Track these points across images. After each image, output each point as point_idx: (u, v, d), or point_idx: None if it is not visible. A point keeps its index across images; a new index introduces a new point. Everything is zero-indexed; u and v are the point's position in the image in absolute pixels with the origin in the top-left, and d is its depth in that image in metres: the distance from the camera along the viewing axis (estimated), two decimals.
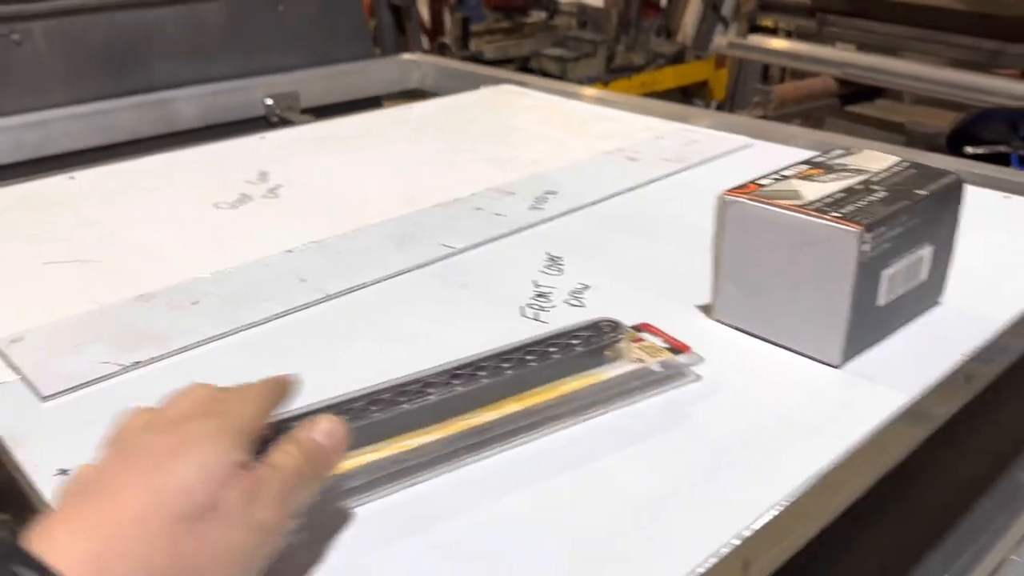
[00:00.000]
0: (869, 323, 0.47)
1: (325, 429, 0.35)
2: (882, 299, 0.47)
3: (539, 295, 0.55)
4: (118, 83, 1.15)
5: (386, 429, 0.39)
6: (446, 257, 0.61)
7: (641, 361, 0.45)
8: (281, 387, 0.37)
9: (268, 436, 0.34)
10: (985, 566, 0.54)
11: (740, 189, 0.49)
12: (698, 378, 0.46)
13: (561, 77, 2.52)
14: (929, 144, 2.16)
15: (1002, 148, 1.73)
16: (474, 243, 0.63)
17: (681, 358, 0.46)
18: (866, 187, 0.49)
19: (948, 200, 0.50)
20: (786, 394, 0.45)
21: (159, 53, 1.17)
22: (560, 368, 0.44)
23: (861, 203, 0.47)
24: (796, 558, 0.39)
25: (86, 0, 1.11)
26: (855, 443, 0.40)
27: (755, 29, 2.64)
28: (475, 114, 0.99)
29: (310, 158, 0.84)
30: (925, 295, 0.52)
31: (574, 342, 0.45)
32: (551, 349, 0.45)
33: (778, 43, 2.44)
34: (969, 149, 1.76)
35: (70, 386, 0.46)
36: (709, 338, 0.50)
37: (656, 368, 0.45)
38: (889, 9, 2.24)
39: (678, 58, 2.73)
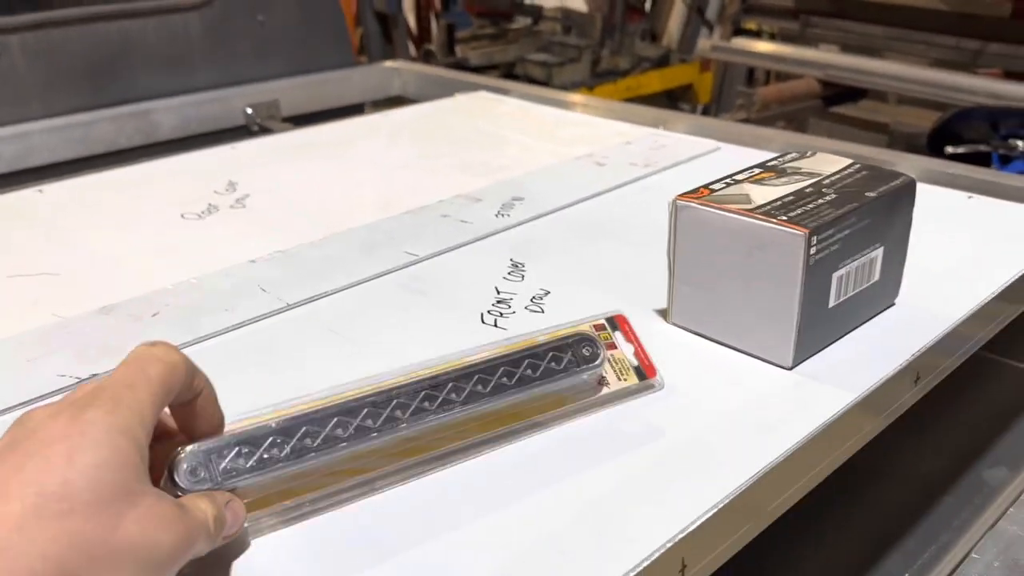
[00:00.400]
0: (820, 324, 0.48)
1: (235, 509, 0.34)
2: (833, 300, 0.48)
3: (499, 301, 0.56)
4: (97, 95, 1.15)
5: (351, 459, 0.38)
6: (409, 265, 0.61)
7: (606, 383, 0.45)
8: (193, 372, 0.35)
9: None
10: (946, 564, 0.54)
11: (692, 194, 0.50)
12: (653, 387, 0.46)
13: (546, 82, 2.53)
14: (911, 144, 2.17)
15: (983, 147, 1.74)
16: (438, 250, 0.63)
17: (644, 384, 0.45)
18: (816, 190, 0.49)
19: (899, 201, 0.50)
20: (738, 396, 0.45)
21: (139, 64, 1.17)
22: (538, 398, 0.42)
23: (809, 206, 0.47)
24: (751, 558, 0.39)
25: (65, 13, 1.11)
26: (800, 440, 0.41)
27: (739, 32, 2.66)
28: (450, 120, 0.99)
29: (281, 167, 0.85)
30: (879, 295, 0.52)
31: (554, 365, 0.42)
32: (531, 372, 0.42)
33: (762, 46, 2.45)
34: (950, 148, 1.77)
35: (25, 399, 0.46)
36: (664, 341, 0.50)
37: (623, 390, 0.45)
38: (871, 10, 2.25)
39: (663, 62, 2.74)
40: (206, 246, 0.66)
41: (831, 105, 2.41)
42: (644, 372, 0.46)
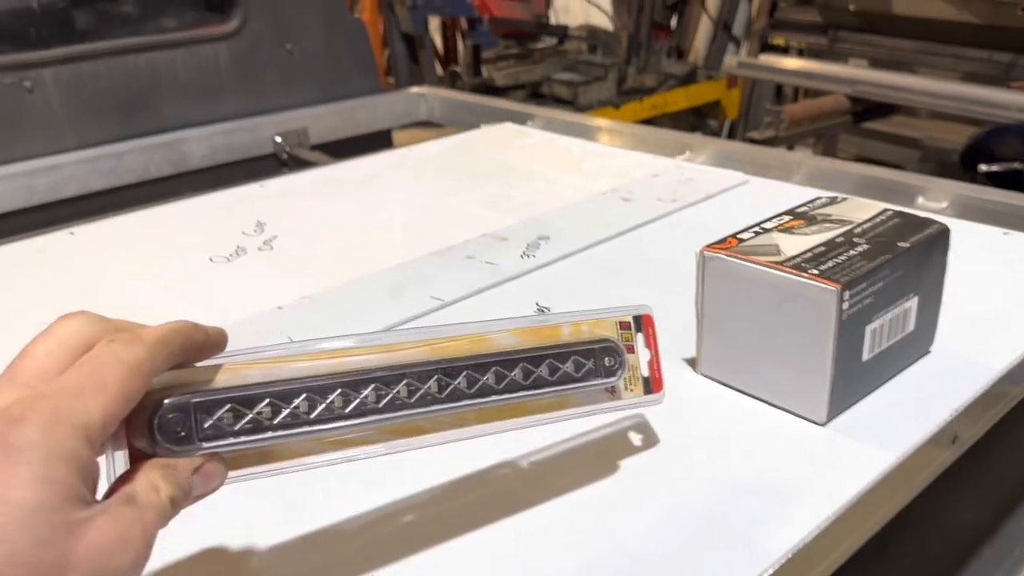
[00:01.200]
0: (854, 378, 0.47)
1: (204, 471, 0.30)
2: (866, 354, 0.47)
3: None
4: (128, 126, 1.17)
5: (349, 431, 0.35)
6: (436, 310, 0.61)
7: (614, 392, 0.42)
8: (160, 351, 0.30)
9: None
10: None
11: (720, 244, 0.49)
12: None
13: (572, 102, 2.53)
14: (944, 160, 2.14)
15: (1016, 165, 1.71)
16: (464, 295, 0.63)
17: (647, 398, 0.43)
18: (847, 240, 0.48)
19: (933, 250, 0.49)
20: (770, 453, 0.44)
21: (168, 95, 1.19)
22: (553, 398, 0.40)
23: (841, 258, 0.46)
24: None
25: (96, 46, 1.13)
26: (839, 509, 0.40)
27: (767, 47, 2.64)
28: (475, 153, 0.99)
29: (309, 205, 0.85)
30: (914, 345, 0.51)
31: (573, 372, 0.40)
32: (548, 374, 0.39)
33: (790, 62, 2.43)
34: (983, 166, 1.74)
35: None
36: (692, 392, 0.50)
37: (627, 402, 0.43)
38: (900, 24, 2.23)
39: (689, 79, 2.73)
40: (234, 291, 0.66)
41: (861, 121, 2.38)
42: (651, 386, 0.43)
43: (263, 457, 0.34)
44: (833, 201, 0.54)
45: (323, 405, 0.33)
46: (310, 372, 0.34)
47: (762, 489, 0.41)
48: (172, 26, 1.23)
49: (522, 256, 0.68)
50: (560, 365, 0.40)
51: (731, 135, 2.86)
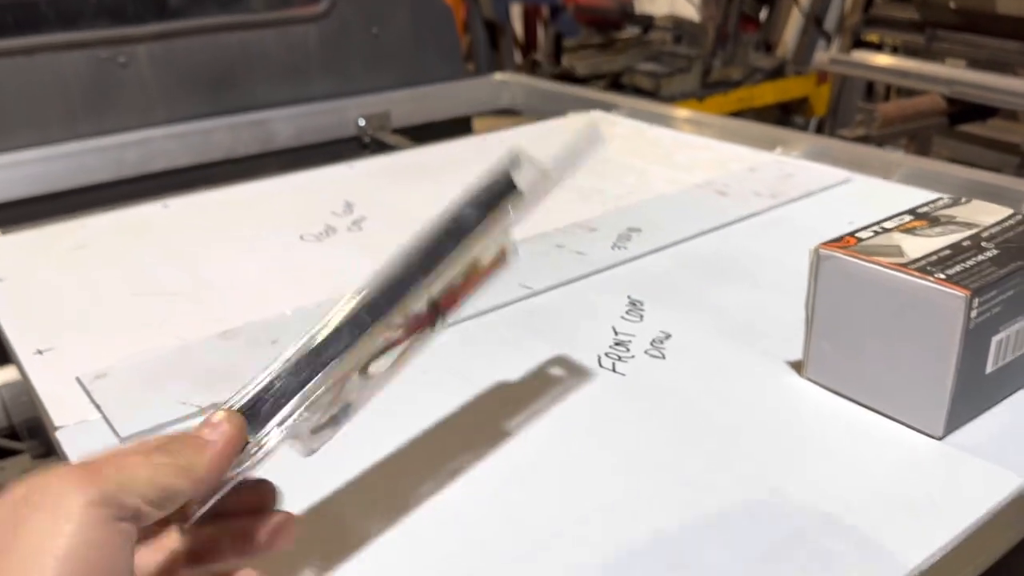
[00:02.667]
0: (975, 392, 0.44)
1: (214, 423, 0.30)
2: (990, 367, 0.44)
3: (617, 343, 0.53)
4: (217, 103, 1.18)
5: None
6: (525, 298, 0.59)
7: None
8: (213, 457, 0.30)
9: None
10: None
11: (837, 242, 0.46)
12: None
13: (654, 93, 2.49)
14: None
15: None
16: (553, 284, 0.61)
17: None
18: (975, 244, 0.45)
19: None
20: (882, 466, 0.42)
21: (257, 74, 1.20)
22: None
23: (969, 263, 0.43)
24: None
25: (188, 23, 1.15)
26: (963, 529, 0.37)
27: (859, 44, 2.55)
28: (561, 142, 0.97)
29: (396, 188, 0.84)
30: None
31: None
32: None
33: (883, 59, 2.35)
34: None
35: (147, 427, 0.46)
36: (797, 397, 0.47)
37: None
38: (1003, 23, 2.13)
39: (777, 73, 2.66)
40: (324, 270, 0.66)
41: (957, 123, 2.29)
42: None
43: None
44: (956, 202, 0.51)
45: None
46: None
47: (874, 504, 0.39)
48: (263, 6, 1.24)
49: (613, 247, 0.67)
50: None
51: (819, 133, 2.78)
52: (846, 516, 0.38)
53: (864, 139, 2.04)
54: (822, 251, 0.46)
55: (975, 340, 0.42)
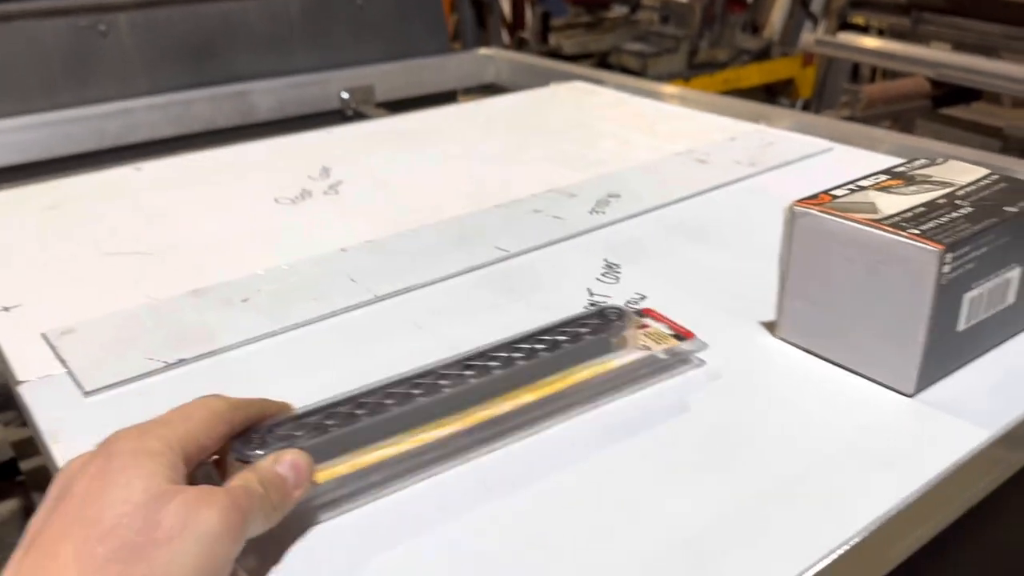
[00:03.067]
0: (947, 349, 0.44)
1: (289, 461, 0.34)
2: (962, 324, 0.44)
3: (592, 304, 0.53)
4: (198, 73, 1.16)
5: (402, 422, 0.38)
6: (500, 260, 0.59)
7: (647, 348, 0.45)
8: (239, 409, 0.35)
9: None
10: None
11: (811, 199, 0.46)
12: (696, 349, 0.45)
13: (641, 73, 2.48)
14: None
15: None
16: (529, 247, 0.61)
17: (685, 345, 0.46)
18: (950, 202, 0.45)
19: None
20: (853, 422, 0.41)
21: (239, 45, 1.19)
22: (569, 357, 0.43)
23: (943, 219, 0.43)
24: None
25: None
26: (929, 482, 0.37)
27: (845, 26, 2.55)
28: (545, 111, 0.96)
29: (375, 154, 0.83)
30: (1011, 319, 0.47)
31: (582, 330, 0.45)
32: (560, 338, 0.44)
33: (869, 41, 2.34)
34: None
35: (113, 382, 0.46)
36: (772, 358, 0.47)
37: (661, 355, 0.45)
38: (989, 6, 2.13)
39: (763, 55, 2.65)
40: (298, 232, 0.65)
41: (941, 106, 2.29)
42: (682, 336, 0.46)
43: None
44: (932, 162, 0.51)
45: (373, 402, 0.39)
46: (378, 386, 0.40)
47: (845, 459, 0.39)
48: None
49: (591, 212, 0.66)
50: (572, 328, 0.45)
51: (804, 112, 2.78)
52: (815, 471, 0.38)
53: (849, 120, 2.04)
54: (796, 208, 0.46)
55: (948, 296, 0.42)
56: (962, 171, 0.49)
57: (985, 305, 0.44)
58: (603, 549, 0.34)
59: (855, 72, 2.68)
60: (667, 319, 0.48)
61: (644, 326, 0.47)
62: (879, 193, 0.46)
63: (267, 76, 1.21)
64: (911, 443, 0.40)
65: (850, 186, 0.48)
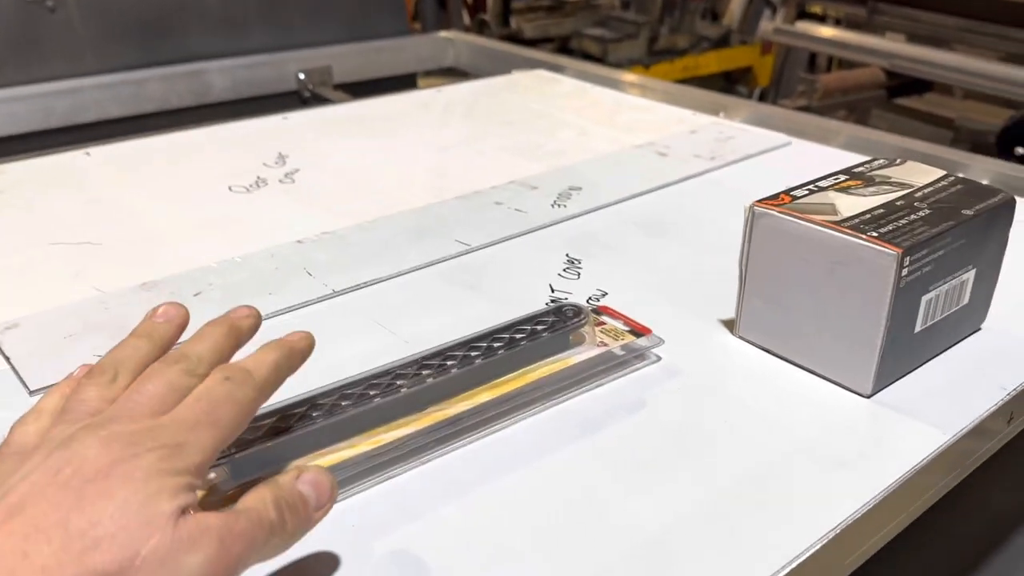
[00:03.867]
0: (904, 350, 0.44)
1: (312, 480, 0.31)
2: (919, 325, 0.44)
3: (553, 301, 0.53)
4: (150, 53, 1.13)
5: (359, 424, 0.38)
6: (460, 255, 0.58)
7: (604, 345, 0.45)
8: (263, 395, 0.32)
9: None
10: None
11: (771, 200, 0.46)
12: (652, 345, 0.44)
13: (601, 59, 2.47)
14: (977, 141, 2.09)
15: None
16: (491, 241, 0.60)
17: (642, 341, 0.46)
18: (908, 204, 0.45)
19: (997, 220, 0.46)
20: (811, 423, 0.42)
21: (193, 23, 1.16)
22: (527, 355, 0.43)
23: (902, 222, 0.43)
24: None
25: None
26: (888, 487, 0.37)
27: (803, 15, 2.57)
28: (505, 99, 0.96)
29: (332, 141, 0.82)
30: (966, 319, 0.48)
31: (539, 327, 0.45)
32: (517, 335, 0.44)
33: (826, 31, 2.36)
34: (1020, 149, 1.69)
35: (59, 380, 0.44)
36: (730, 356, 0.47)
37: (618, 352, 0.45)
38: None
39: (723, 42, 2.67)
40: (253, 222, 0.64)
41: (895, 96, 2.32)
42: (638, 332, 0.46)
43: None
44: (891, 163, 0.51)
45: (329, 404, 0.38)
46: (335, 387, 0.40)
47: (804, 460, 0.39)
48: None
49: (553, 205, 0.66)
50: (528, 326, 0.45)
51: (761, 103, 2.80)
52: (774, 473, 0.38)
53: (805, 109, 2.06)
54: (756, 208, 0.46)
55: (905, 299, 0.42)
56: (920, 172, 0.50)
57: (942, 307, 0.45)
58: (560, 550, 0.34)
59: (812, 61, 2.70)
60: (623, 315, 0.48)
61: (601, 323, 0.47)
62: (839, 194, 0.47)
63: (222, 56, 1.18)
64: (870, 445, 0.40)
65: (810, 186, 0.48)
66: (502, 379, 0.42)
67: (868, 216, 0.44)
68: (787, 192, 0.47)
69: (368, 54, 1.28)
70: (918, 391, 0.44)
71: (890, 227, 0.43)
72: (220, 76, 1.16)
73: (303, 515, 0.30)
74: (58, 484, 0.26)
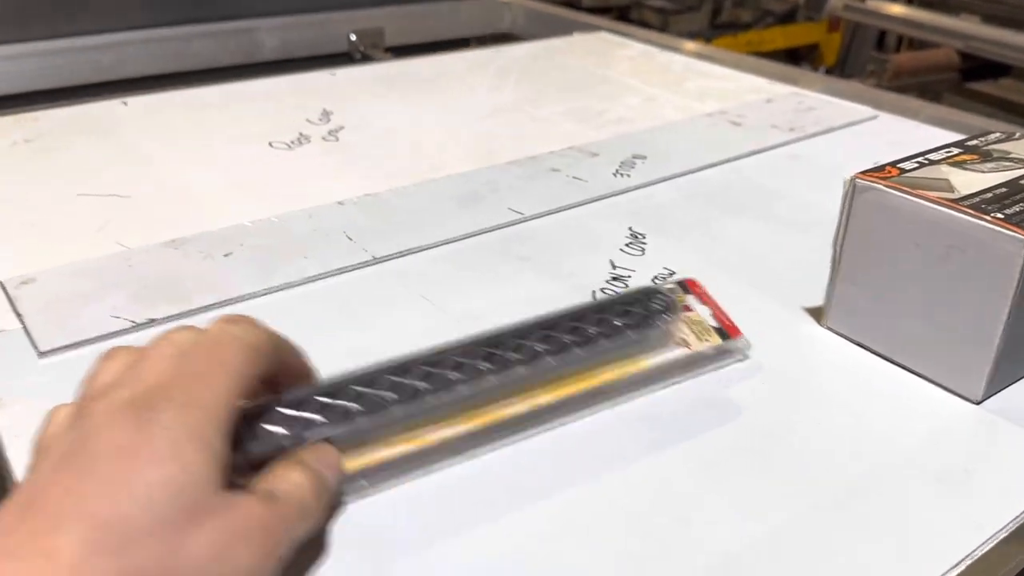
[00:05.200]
0: (1021, 354, 0.38)
1: (331, 462, 0.29)
2: None
3: (615, 278, 0.47)
4: (200, 8, 1.10)
5: (409, 420, 0.33)
6: (513, 224, 0.53)
7: (687, 344, 0.39)
8: (279, 350, 0.30)
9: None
10: None
11: (876, 172, 0.40)
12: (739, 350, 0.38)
13: (662, 30, 2.39)
14: None
15: None
16: (547, 210, 0.55)
17: (730, 344, 0.40)
18: None
19: None
20: (912, 430, 0.36)
21: None
22: (604, 354, 0.36)
23: None
24: None
25: None
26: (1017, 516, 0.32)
27: None
28: (565, 62, 0.90)
29: (380, 99, 0.77)
30: None
31: (621, 321, 0.36)
32: (592, 329, 0.36)
33: (898, 9, 2.25)
34: None
35: (72, 342, 0.40)
36: (818, 350, 0.42)
37: (706, 351, 0.39)
38: None
39: (788, 17, 2.56)
40: (292, 180, 0.59)
41: (969, 80, 2.21)
42: (726, 332, 0.40)
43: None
44: (1010, 137, 0.45)
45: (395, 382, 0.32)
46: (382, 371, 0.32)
47: (908, 473, 0.34)
48: None
49: (615, 174, 0.60)
50: (606, 316, 0.37)
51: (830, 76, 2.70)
52: (876, 486, 0.33)
53: (875, 90, 1.96)
54: (859, 181, 0.40)
55: None
56: None
57: None
58: (635, 567, 0.29)
59: (881, 40, 2.59)
60: (713, 301, 0.42)
61: (687, 308, 0.41)
62: (952, 169, 0.41)
63: (273, 14, 1.15)
64: (983, 462, 0.34)
65: (919, 159, 0.42)
66: (571, 378, 0.36)
67: (990, 195, 0.38)
68: (894, 164, 0.41)
69: (421, 17, 1.23)
70: None
71: (1017, 208, 0.37)
72: (270, 35, 1.13)
73: (326, 498, 0.29)
74: (71, 465, 0.24)
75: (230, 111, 0.73)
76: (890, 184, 0.39)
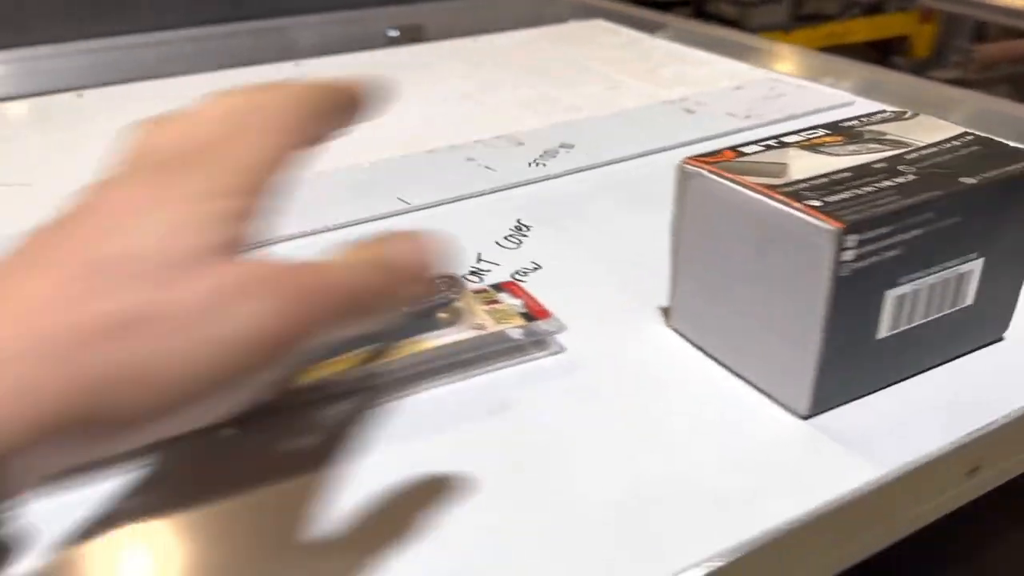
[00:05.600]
0: (861, 362, 0.33)
1: (423, 245, 0.26)
2: (885, 330, 0.33)
3: (473, 272, 0.44)
4: (237, 6, 1.12)
5: None
6: (396, 214, 0.51)
7: (481, 328, 0.35)
8: (325, 98, 0.27)
9: None
10: None
11: (711, 156, 0.36)
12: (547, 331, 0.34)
13: (738, 23, 2.30)
14: None
15: None
16: (437, 200, 0.52)
17: (534, 325, 0.36)
18: (891, 167, 0.34)
19: (1018, 194, 0.34)
20: (726, 444, 0.32)
21: None
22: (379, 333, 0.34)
23: (867, 188, 0.32)
24: None
25: None
26: (784, 523, 0.27)
27: None
28: (545, 49, 0.86)
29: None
30: (974, 326, 0.36)
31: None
32: None
33: None
34: None
35: None
36: (654, 348, 0.38)
37: (495, 335, 0.36)
38: None
39: (876, 8, 2.43)
40: None
41: None
42: (533, 316, 0.37)
43: None
44: (899, 117, 0.39)
45: None
46: None
47: (714, 481, 0.30)
48: None
49: (531, 164, 0.57)
50: None
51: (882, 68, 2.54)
52: (663, 498, 0.29)
53: (960, 83, 1.83)
54: (687, 166, 0.36)
55: (855, 291, 0.31)
56: (932, 129, 0.38)
57: (925, 306, 0.34)
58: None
59: (980, 31, 2.41)
60: (527, 294, 0.39)
61: (495, 301, 0.38)
62: (802, 152, 0.36)
63: (310, 11, 1.16)
64: (788, 477, 0.30)
65: (771, 141, 0.37)
66: (339, 358, 0.34)
67: (823, 180, 0.33)
68: (735, 148, 0.37)
69: (462, 12, 1.22)
70: (877, 416, 0.33)
71: (846, 195, 0.32)
72: (306, 32, 1.14)
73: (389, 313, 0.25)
74: (73, 218, 0.22)
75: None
76: (714, 169, 0.34)
